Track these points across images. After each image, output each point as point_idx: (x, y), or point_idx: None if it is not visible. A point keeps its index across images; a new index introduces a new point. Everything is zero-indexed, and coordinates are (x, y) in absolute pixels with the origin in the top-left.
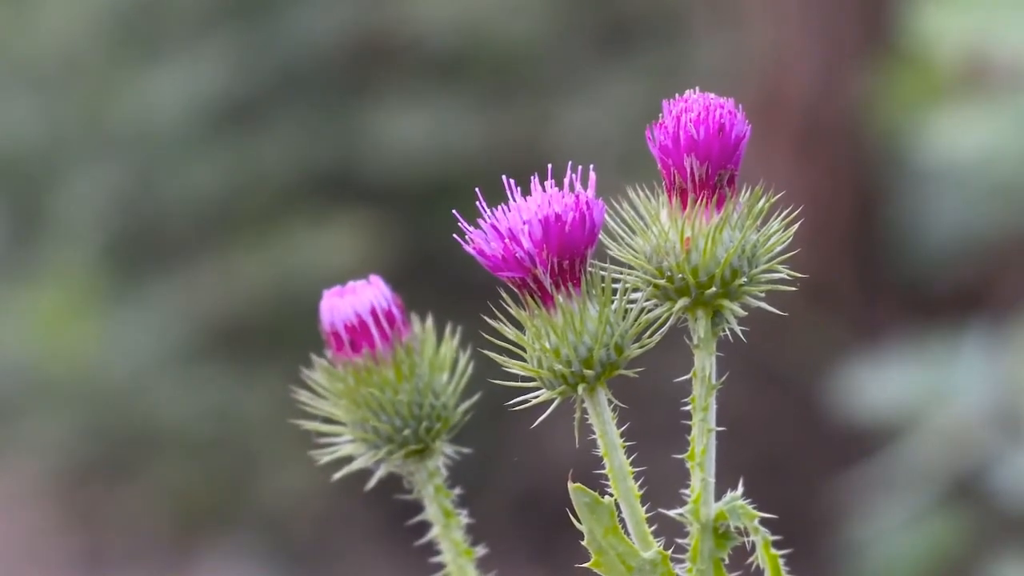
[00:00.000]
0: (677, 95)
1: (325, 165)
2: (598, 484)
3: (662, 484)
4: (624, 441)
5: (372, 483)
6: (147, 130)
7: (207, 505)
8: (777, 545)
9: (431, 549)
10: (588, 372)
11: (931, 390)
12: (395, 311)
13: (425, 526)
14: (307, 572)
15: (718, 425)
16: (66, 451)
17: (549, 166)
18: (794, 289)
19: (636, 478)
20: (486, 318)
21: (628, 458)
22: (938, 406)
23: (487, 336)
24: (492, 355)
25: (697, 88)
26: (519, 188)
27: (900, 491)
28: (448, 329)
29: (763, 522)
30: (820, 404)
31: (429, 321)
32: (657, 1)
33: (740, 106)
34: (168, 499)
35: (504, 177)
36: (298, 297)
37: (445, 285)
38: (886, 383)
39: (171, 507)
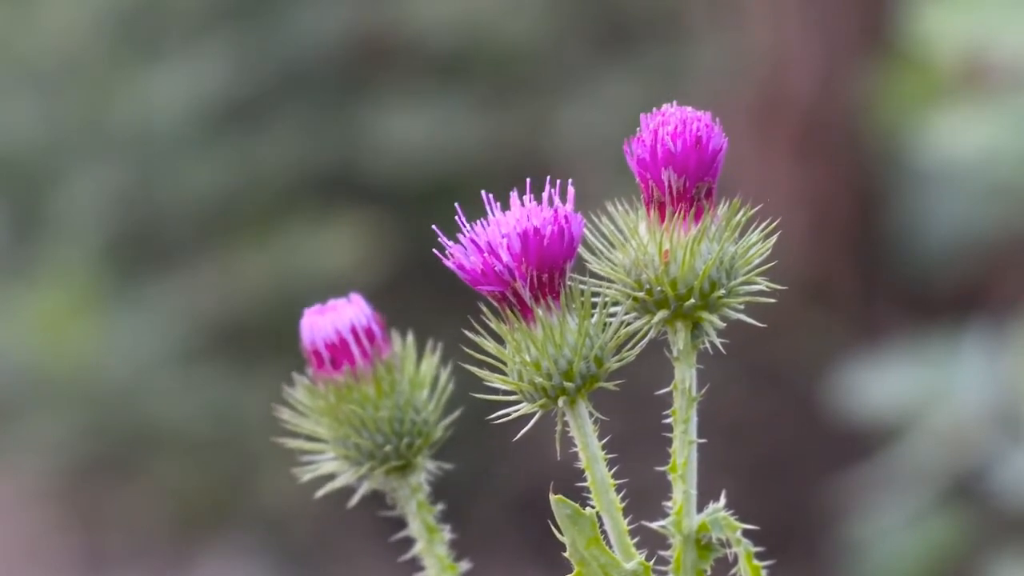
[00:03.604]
0: (677, 95)
1: (325, 165)
2: (583, 495)
3: (645, 495)
4: (606, 452)
5: (355, 500)
6: (147, 130)
7: (207, 505)
8: (776, 546)
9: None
10: (568, 384)
11: (931, 390)
12: (375, 328)
13: (412, 540)
14: (307, 572)
15: (718, 424)
16: (66, 451)
17: (528, 181)
18: (775, 301)
19: (618, 490)
20: (467, 332)
21: (610, 469)
22: (938, 406)
23: (468, 350)
24: (473, 369)
25: (675, 101)
26: (500, 203)
27: (900, 491)
28: (429, 345)
29: (747, 532)
30: (820, 404)
31: (410, 338)
32: (657, 1)
33: (721, 117)
34: (168, 499)
35: (483, 192)
36: (298, 297)
37: (445, 284)
38: (886, 383)
39: (171, 507)
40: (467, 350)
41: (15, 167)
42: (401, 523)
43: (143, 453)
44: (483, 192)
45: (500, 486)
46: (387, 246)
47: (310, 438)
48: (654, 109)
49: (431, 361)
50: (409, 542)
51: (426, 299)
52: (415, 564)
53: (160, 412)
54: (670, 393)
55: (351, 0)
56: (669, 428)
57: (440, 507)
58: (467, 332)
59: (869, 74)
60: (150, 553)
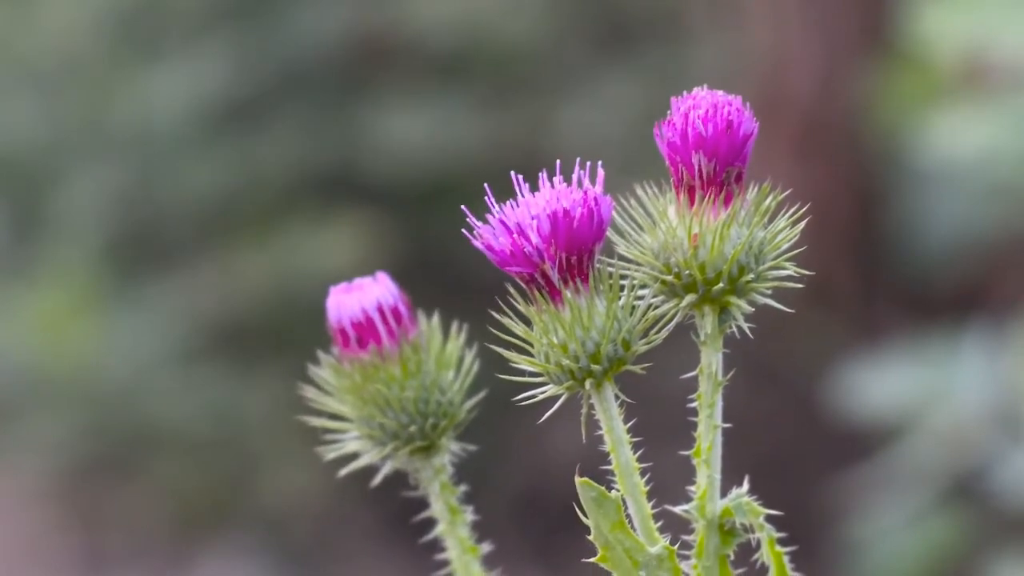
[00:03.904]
0: (677, 95)
1: (325, 165)
2: (603, 480)
3: (668, 480)
4: (631, 437)
5: (378, 479)
6: (147, 130)
7: (207, 505)
8: (780, 543)
9: (433, 548)
10: (595, 367)
11: (931, 390)
12: (402, 308)
13: (428, 524)
14: (307, 572)
15: (723, 423)
16: (66, 451)
17: (558, 162)
18: (801, 287)
19: (642, 474)
20: (494, 313)
21: (634, 454)
22: (938, 406)
23: (494, 331)
24: (499, 350)
25: (705, 86)
26: (508, 195)
27: (900, 491)
28: (455, 327)
29: (768, 519)
30: (820, 404)
31: (435, 319)
32: (657, 1)
33: (747, 104)
34: (168, 499)
35: (512, 173)
36: (298, 297)
37: (445, 285)
38: (886, 383)
39: (171, 507)
40: (492, 330)
41: (15, 167)
42: (406, 516)
43: (143, 453)
44: (512, 173)
45: (502, 483)
46: (387, 246)
47: (334, 417)
48: (661, 104)
49: (456, 342)
50: (420, 533)
51: (426, 299)
52: (419, 557)
53: (160, 412)
54: (687, 382)
55: (351, 0)
56: (687, 417)
57: (463, 488)
58: (493, 313)
59: (869, 74)
60: (150, 553)
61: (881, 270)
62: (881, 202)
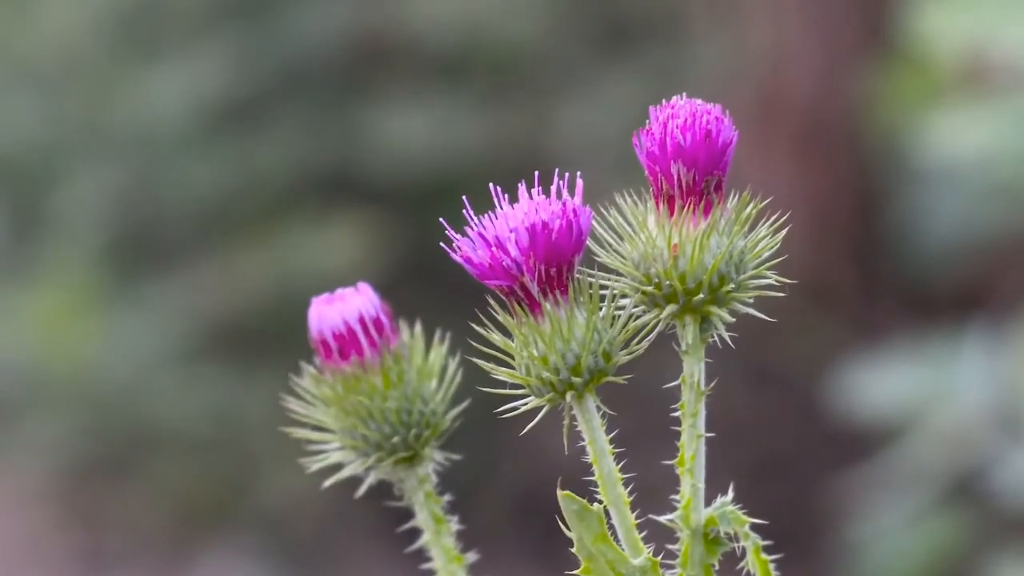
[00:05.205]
0: (675, 96)
1: (325, 165)
2: (589, 490)
3: (652, 490)
4: (614, 447)
5: (362, 491)
6: (147, 130)
7: (207, 505)
8: (776, 546)
9: (429, 551)
10: (576, 379)
11: (931, 390)
12: (383, 319)
13: (418, 531)
14: (307, 572)
15: (718, 424)
16: (66, 451)
17: (536, 174)
18: (783, 295)
19: (626, 484)
20: (474, 326)
21: (618, 464)
22: (938, 406)
23: (476, 344)
24: (480, 363)
25: (684, 94)
26: (507, 196)
27: (900, 491)
28: (437, 336)
29: (754, 527)
30: (820, 404)
31: (418, 328)
32: (657, 1)
33: (728, 112)
34: (168, 499)
35: (491, 185)
36: (298, 297)
37: (445, 284)
38: (886, 383)
39: (171, 507)
40: (474, 343)
41: (15, 167)
42: (404, 518)
43: (143, 453)
44: (491, 185)
45: (499, 485)
46: (387, 246)
47: (317, 428)
48: (651, 108)
49: (439, 351)
50: (412, 538)
51: (426, 299)
52: (419, 559)
53: (160, 412)
54: (673, 390)
55: (351, 0)
56: (671, 426)
57: (447, 498)
58: (474, 326)
59: (869, 74)
60: (150, 553)
61: (881, 270)
62: (881, 202)
